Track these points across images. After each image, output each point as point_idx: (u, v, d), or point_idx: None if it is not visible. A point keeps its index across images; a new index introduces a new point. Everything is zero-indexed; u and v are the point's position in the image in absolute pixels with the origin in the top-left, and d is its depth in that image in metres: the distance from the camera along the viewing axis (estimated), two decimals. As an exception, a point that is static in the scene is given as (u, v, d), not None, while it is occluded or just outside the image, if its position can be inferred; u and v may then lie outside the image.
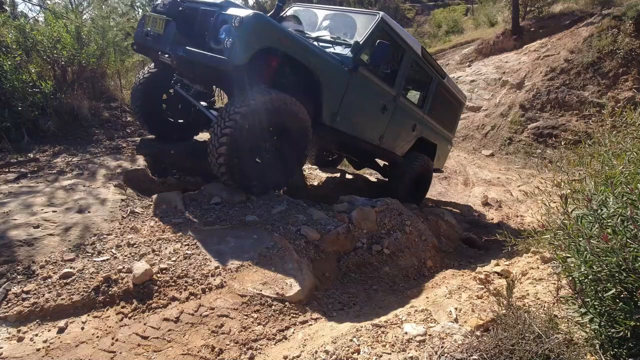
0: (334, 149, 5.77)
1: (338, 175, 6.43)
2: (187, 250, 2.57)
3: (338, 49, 4.06)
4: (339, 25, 4.56)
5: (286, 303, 2.43)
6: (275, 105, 3.30)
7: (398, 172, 5.47)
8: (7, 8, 7.60)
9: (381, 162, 5.90)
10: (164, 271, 2.33)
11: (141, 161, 4.07)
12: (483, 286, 2.75)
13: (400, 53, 4.69)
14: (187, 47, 3.30)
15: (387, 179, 5.75)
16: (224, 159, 3.19)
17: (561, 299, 2.04)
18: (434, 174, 6.58)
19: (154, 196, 3.30)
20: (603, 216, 1.58)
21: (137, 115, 4.61)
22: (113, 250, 2.46)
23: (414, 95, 5.56)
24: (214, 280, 2.38)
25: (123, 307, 2.11)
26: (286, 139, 3.64)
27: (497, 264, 3.50)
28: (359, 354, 1.85)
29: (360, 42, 3.98)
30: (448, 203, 7.14)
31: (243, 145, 3.25)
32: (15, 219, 2.61)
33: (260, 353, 2.02)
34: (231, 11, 3.24)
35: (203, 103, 4.23)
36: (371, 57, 3.96)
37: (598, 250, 1.51)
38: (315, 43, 4.02)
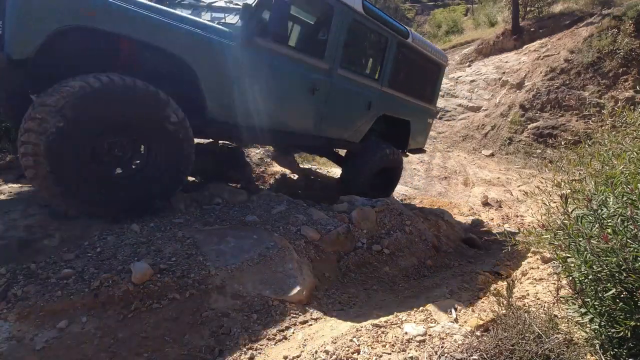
0: (265, 143, 4.66)
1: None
2: (187, 250, 2.57)
3: (230, 18, 3.12)
4: None
5: (286, 303, 2.43)
6: (106, 93, 2.39)
7: (353, 164, 4.55)
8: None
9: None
10: (164, 271, 2.33)
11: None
12: (483, 286, 2.76)
13: (327, 13, 3.69)
14: None
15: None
16: (36, 173, 2.34)
17: (561, 299, 2.04)
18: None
19: (154, 196, 3.29)
20: (603, 216, 1.58)
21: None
22: (113, 250, 2.46)
23: (363, 65, 4.58)
24: (214, 280, 2.38)
25: (123, 307, 2.10)
26: (150, 142, 2.76)
27: (497, 264, 3.51)
28: (359, 354, 1.85)
29: (253, 4, 3.00)
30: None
31: (64, 153, 2.35)
32: (15, 219, 2.60)
33: (260, 353, 2.02)
34: None
35: None
36: (269, 24, 2.99)
37: (598, 250, 1.51)
38: (204, 13, 3.21)
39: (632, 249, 1.43)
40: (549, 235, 1.90)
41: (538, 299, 2.33)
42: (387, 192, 5.27)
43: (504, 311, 1.92)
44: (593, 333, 1.63)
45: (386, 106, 4.68)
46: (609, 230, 1.52)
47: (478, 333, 1.89)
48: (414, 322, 2.13)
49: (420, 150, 6.06)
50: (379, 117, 4.69)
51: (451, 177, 8.75)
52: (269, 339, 2.13)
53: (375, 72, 4.54)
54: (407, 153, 5.81)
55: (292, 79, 3.48)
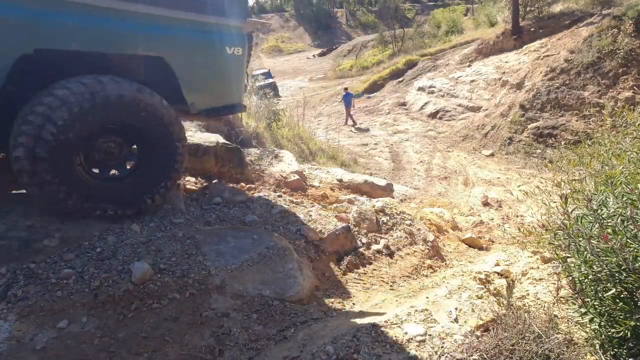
0: None
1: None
2: (187, 250, 2.56)
3: None
4: None
5: (286, 303, 2.43)
6: None
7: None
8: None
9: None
10: (164, 271, 2.33)
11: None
12: (483, 286, 2.75)
13: None
14: None
15: None
16: None
17: (561, 299, 2.04)
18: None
19: (154, 196, 3.29)
20: (603, 216, 1.58)
21: None
22: (113, 250, 2.46)
23: None
24: (214, 280, 2.38)
25: (123, 307, 2.10)
26: None
27: (497, 264, 3.51)
28: (359, 354, 1.85)
29: None
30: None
31: None
32: (15, 220, 2.60)
33: (260, 353, 2.02)
34: None
35: None
36: None
37: (598, 250, 1.51)
38: None
39: (632, 249, 1.43)
40: (549, 235, 1.91)
41: (538, 299, 2.33)
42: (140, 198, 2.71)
43: (504, 311, 1.92)
44: (593, 333, 1.63)
45: (38, 32, 2.24)
46: (609, 230, 1.52)
47: (478, 333, 1.89)
48: (414, 322, 2.13)
49: (231, 110, 3.25)
50: (38, 61, 2.26)
51: (451, 177, 8.76)
52: (269, 339, 2.13)
53: None
54: (202, 118, 3.26)
55: None
